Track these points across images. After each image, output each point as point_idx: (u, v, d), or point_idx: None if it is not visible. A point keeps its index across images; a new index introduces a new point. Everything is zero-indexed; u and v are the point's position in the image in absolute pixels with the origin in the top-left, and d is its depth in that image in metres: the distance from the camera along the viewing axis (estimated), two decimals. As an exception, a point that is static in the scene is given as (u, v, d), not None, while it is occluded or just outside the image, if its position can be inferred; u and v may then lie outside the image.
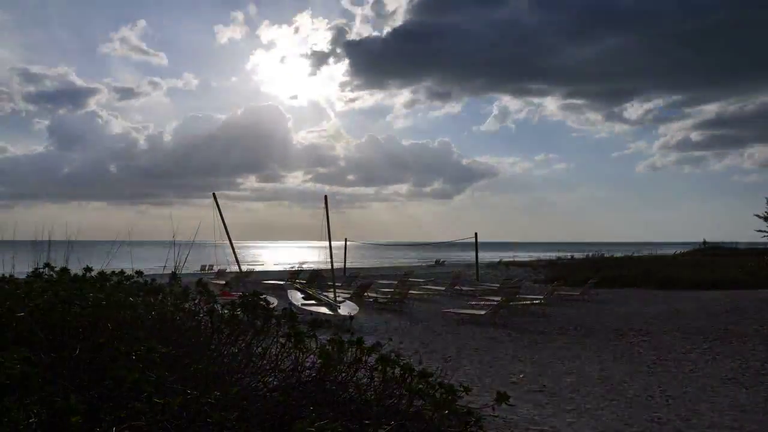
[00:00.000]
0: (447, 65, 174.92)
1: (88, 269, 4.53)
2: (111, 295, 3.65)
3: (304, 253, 78.42)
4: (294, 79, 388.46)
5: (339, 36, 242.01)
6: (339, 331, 4.20)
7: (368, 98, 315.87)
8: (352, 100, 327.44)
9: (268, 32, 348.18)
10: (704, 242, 44.02)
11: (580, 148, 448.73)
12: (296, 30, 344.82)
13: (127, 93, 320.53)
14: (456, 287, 21.04)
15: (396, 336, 11.42)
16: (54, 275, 4.38)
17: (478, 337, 11.23)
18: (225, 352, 3.85)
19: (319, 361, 3.86)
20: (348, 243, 30.95)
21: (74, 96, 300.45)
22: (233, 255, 14.91)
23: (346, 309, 13.08)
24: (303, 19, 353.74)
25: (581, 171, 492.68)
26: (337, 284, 15.64)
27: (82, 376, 2.83)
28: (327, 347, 3.90)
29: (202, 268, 31.47)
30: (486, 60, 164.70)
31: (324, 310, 12.77)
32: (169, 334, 3.65)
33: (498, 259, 50.56)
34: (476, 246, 30.33)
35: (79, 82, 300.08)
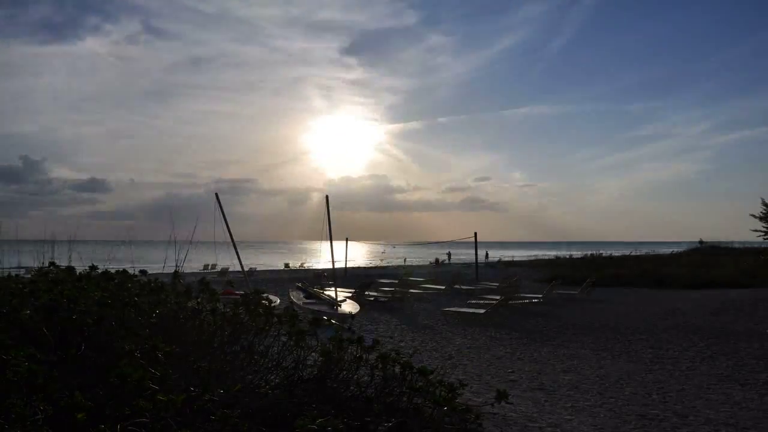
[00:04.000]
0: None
1: (93, 268, 4.57)
2: (115, 293, 3.69)
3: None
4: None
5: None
6: (340, 330, 4.24)
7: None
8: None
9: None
10: (701, 242, 44.14)
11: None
12: None
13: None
14: (456, 286, 21.09)
15: (396, 334, 11.48)
16: (55, 273, 4.41)
17: (478, 336, 11.28)
18: (227, 350, 3.89)
19: (320, 359, 3.90)
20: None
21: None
22: (236, 254, 14.94)
23: (347, 308, 13.13)
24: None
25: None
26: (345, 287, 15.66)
27: (87, 373, 2.87)
28: (328, 346, 3.94)
29: (205, 267, 31.60)
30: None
31: (325, 308, 12.81)
32: (173, 333, 3.69)
33: (497, 259, 50.65)
34: (476, 246, 30.38)
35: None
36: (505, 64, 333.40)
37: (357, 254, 63.52)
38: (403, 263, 48.43)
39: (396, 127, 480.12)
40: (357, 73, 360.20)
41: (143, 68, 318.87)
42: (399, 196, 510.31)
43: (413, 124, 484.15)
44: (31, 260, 5.52)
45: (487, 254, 56.58)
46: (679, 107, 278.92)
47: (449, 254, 56.36)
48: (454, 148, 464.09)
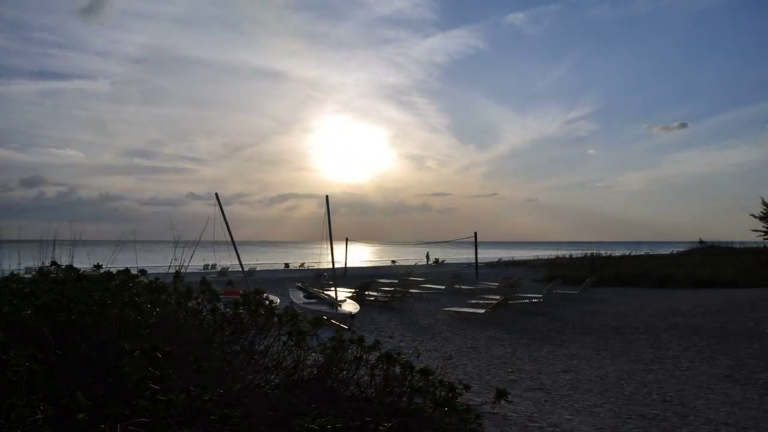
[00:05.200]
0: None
1: (98, 266, 4.57)
2: (116, 293, 3.69)
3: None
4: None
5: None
6: (340, 330, 4.25)
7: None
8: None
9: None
10: (701, 241, 44.13)
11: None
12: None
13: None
14: (455, 286, 21.12)
15: (396, 334, 11.48)
16: (56, 273, 4.41)
17: (478, 336, 11.28)
18: (228, 350, 3.89)
19: (320, 359, 3.90)
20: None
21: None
22: (236, 254, 14.99)
23: (347, 308, 13.14)
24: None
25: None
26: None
27: (88, 373, 2.87)
28: (328, 346, 3.94)
29: (205, 267, 31.68)
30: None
31: (325, 308, 12.83)
32: (173, 332, 3.69)
33: (497, 258, 50.74)
34: (476, 245, 30.41)
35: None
36: None
37: (359, 255, 63.62)
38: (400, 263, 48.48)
39: (434, 43, 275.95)
40: None
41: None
42: (414, 197, 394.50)
43: (462, 33, 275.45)
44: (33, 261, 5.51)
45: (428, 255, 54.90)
46: None
47: (428, 254, 55.51)
48: (521, 93, 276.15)
